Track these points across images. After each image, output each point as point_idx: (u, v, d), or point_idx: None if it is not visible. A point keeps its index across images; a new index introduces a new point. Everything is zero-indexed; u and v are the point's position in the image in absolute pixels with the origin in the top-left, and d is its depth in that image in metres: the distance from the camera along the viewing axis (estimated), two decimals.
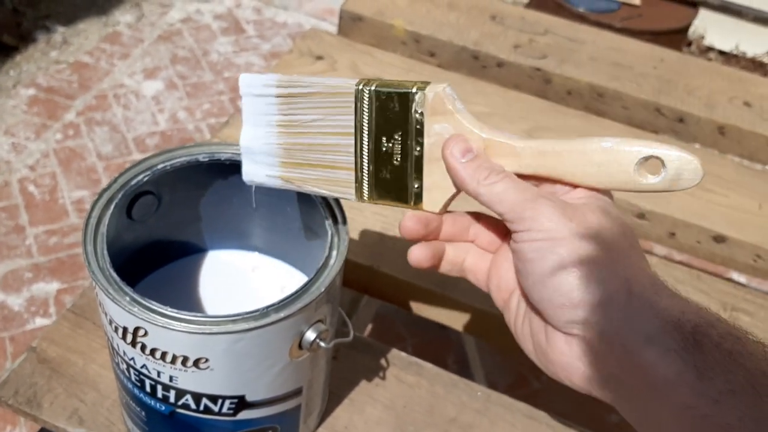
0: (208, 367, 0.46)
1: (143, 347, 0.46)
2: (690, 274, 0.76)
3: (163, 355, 0.46)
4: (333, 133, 0.47)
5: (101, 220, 0.50)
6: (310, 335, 0.48)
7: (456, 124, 0.44)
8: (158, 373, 0.48)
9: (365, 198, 0.48)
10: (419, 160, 0.46)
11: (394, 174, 0.47)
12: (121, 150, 1.92)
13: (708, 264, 0.85)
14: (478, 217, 0.49)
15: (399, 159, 0.46)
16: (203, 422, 0.51)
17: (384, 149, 0.46)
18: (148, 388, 0.50)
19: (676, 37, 2.09)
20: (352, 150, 0.47)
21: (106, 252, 0.48)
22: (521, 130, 0.90)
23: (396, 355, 0.66)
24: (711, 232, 0.81)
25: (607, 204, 0.43)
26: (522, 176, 0.44)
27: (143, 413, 0.53)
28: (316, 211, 0.53)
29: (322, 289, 0.47)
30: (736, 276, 1.46)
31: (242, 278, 0.63)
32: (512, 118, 0.92)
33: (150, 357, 0.47)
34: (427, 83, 0.45)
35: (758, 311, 0.74)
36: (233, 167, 0.53)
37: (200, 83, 2.17)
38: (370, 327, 1.44)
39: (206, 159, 0.55)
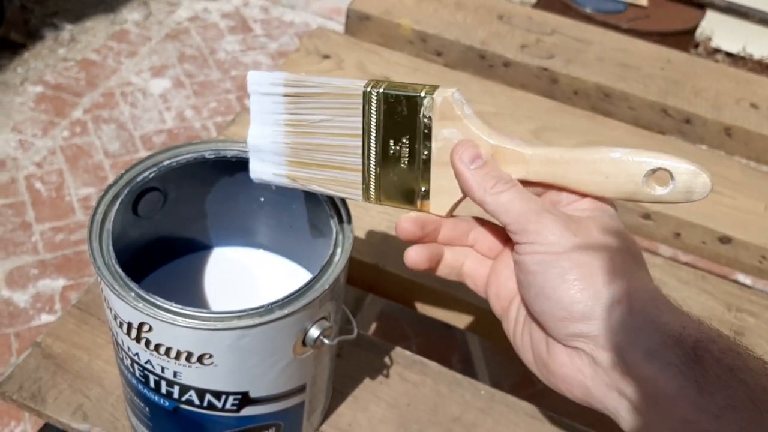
0: (212, 363, 0.46)
1: (148, 343, 0.46)
2: (695, 274, 0.76)
3: (168, 350, 0.46)
4: (340, 134, 0.47)
5: (107, 216, 0.50)
6: (314, 332, 0.48)
7: (464, 130, 0.44)
8: (162, 369, 0.48)
9: (372, 199, 0.48)
10: (426, 164, 0.46)
11: (400, 177, 0.47)
12: (128, 148, 1.93)
13: (713, 265, 0.85)
14: (478, 222, 0.49)
15: (406, 162, 0.46)
16: (207, 418, 0.51)
17: (391, 152, 0.46)
18: (152, 384, 0.50)
19: (684, 39, 2.09)
20: (360, 152, 0.47)
21: (111, 248, 0.48)
22: (528, 129, 0.90)
23: (400, 353, 0.66)
24: (716, 233, 0.80)
25: (611, 217, 0.44)
26: (529, 183, 0.44)
27: (147, 409, 0.53)
28: (321, 209, 0.53)
29: (326, 287, 0.47)
30: (741, 277, 1.46)
31: (247, 275, 0.63)
32: (519, 118, 0.91)
33: (154, 352, 0.47)
34: (436, 87, 0.44)
35: (763, 312, 0.73)
36: (239, 164, 0.53)
37: (207, 82, 2.17)
38: (374, 325, 1.44)
39: (212, 156, 0.55)
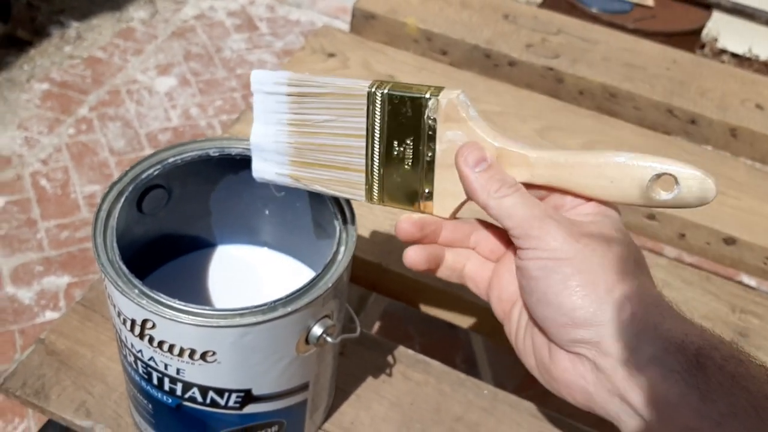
0: (215, 361, 0.46)
1: (151, 339, 0.46)
2: (700, 275, 0.76)
3: (171, 347, 0.46)
4: (344, 135, 0.47)
5: (111, 213, 0.50)
6: (317, 330, 0.48)
7: (469, 132, 0.44)
8: (165, 366, 0.48)
9: (375, 200, 0.48)
10: (430, 166, 0.46)
11: (404, 178, 0.47)
12: (134, 145, 1.93)
13: (718, 266, 0.85)
14: (480, 224, 0.49)
15: (410, 163, 0.46)
16: (210, 415, 0.51)
17: (395, 153, 0.46)
18: (155, 381, 0.50)
19: (689, 39, 2.09)
20: (363, 152, 0.47)
21: (115, 244, 0.48)
22: (533, 129, 0.89)
23: (403, 352, 0.66)
24: (721, 234, 0.80)
25: (614, 222, 0.43)
26: (533, 186, 0.44)
27: (150, 406, 0.53)
28: (325, 207, 0.53)
29: (330, 285, 0.47)
30: (746, 279, 1.45)
31: (251, 273, 0.63)
32: (524, 117, 0.91)
33: (157, 349, 0.47)
34: (441, 89, 0.44)
35: (767, 314, 0.73)
36: (244, 162, 0.53)
37: (213, 80, 2.18)
38: (378, 325, 1.44)
39: (217, 154, 0.55)
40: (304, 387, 0.52)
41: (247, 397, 0.50)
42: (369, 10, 1.04)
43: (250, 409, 0.51)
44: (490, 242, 0.49)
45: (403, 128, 0.45)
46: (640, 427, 0.39)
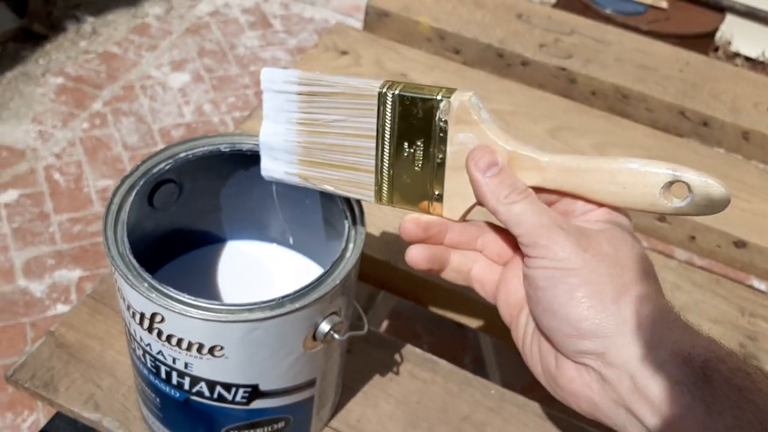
0: (222, 355, 0.46)
1: (160, 333, 0.47)
2: (710, 278, 0.76)
3: (179, 341, 0.46)
4: (354, 135, 0.47)
5: (122, 207, 0.50)
6: (325, 327, 0.48)
7: (480, 135, 0.44)
8: (174, 360, 0.48)
9: (384, 201, 0.48)
10: (441, 168, 0.45)
11: (414, 179, 0.46)
12: (147, 141, 1.94)
13: (728, 269, 0.85)
14: (488, 227, 0.49)
15: (420, 165, 0.46)
16: (217, 410, 0.51)
17: (405, 154, 0.46)
18: (163, 375, 0.50)
19: (703, 42, 2.08)
20: (374, 153, 0.47)
21: (126, 238, 0.48)
22: (544, 129, 0.89)
23: (410, 350, 0.66)
24: (732, 237, 0.80)
25: (625, 230, 0.43)
26: (544, 190, 0.44)
27: (158, 399, 0.53)
28: (334, 204, 0.53)
29: (338, 282, 0.47)
30: (756, 282, 1.45)
31: (260, 269, 0.63)
32: (536, 117, 0.91)
33: (166, 343, 0.47)
34: (453, 90, 0.44)
35: None
36: (254, 158, 0.53)
37: (226, 76, 2.18)
38: (386, 323, 1.44)
39: (228, 149, 0.55)
40: (311, 383, 0.53)
41: (255, 392, 0.50)
42: (382, 8, 1.04)
43: (257, 404, 0.51)
44: (497, 246, 0.48)
45: (413, 129, 0.45)
46: None
